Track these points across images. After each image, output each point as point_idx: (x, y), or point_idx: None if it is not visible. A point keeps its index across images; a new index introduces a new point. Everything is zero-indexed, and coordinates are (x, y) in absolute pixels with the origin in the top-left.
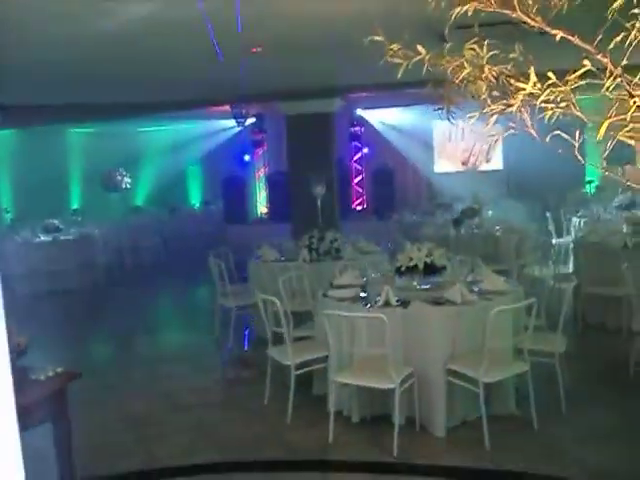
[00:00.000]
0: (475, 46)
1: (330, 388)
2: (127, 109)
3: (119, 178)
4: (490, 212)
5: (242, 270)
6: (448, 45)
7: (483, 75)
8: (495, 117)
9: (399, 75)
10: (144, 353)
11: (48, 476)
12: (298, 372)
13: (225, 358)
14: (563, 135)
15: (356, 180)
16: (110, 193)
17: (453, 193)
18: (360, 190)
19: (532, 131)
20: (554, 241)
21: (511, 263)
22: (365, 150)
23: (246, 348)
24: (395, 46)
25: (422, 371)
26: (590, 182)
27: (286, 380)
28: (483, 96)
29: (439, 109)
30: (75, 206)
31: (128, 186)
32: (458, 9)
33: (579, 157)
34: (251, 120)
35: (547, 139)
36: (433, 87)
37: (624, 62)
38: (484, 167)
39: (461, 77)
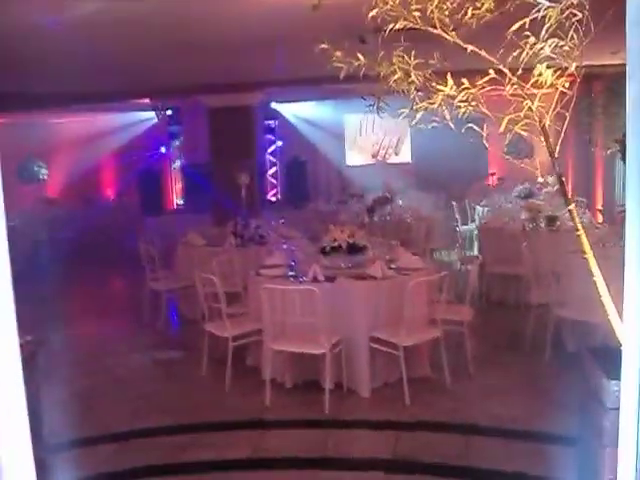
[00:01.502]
0: (402, 53)
1: (266, 356)
2: (43, 99)
3: (35, 169)
4: (401, 201)
5: (164, 257)
6: (379, 53)
7: (409, 79)
8: (421, 113)
9: (341, 76)
10: (80, 335)
11: None
12: (235, 344)
13: (158, 337)
14: (475, 128)
15: (270, 172)
16: (25, 184)
17: (364, 184)
18: (274, 181)
19: (451, 124)
20: (460, 228)
21: (422, 247)
22: (279, 143)
23: (178, 327)
24: (338, 53)
25: (348, 339)
26: (492, 174)
27: (220, 354)
28: (411, 96)
29: (371, 105)
30: None
31: (45, 177)
32: (391, 25)
33: (486, 144)
34: (168, 112)
35: (462, 130)
36: (365, 84)
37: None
38: (393, 160)
39: (393, 80)
